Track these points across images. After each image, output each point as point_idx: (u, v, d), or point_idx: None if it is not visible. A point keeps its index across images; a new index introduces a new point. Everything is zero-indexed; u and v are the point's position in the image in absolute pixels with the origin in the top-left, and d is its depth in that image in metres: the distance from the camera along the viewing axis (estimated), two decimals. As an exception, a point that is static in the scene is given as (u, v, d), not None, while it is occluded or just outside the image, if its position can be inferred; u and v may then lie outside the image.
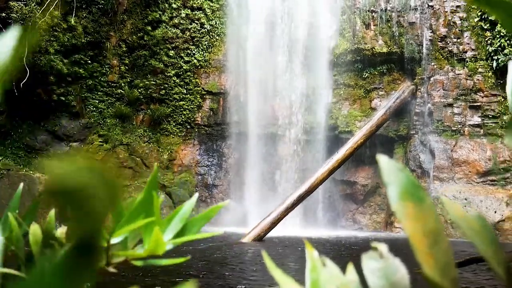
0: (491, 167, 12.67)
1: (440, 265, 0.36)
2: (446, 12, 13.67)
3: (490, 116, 13.13)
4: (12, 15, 11.51)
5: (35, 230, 0.73)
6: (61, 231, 0.70)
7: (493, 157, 12.74)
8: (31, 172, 11.54)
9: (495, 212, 11.80)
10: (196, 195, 0.80)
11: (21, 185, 0.90)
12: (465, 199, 12.20)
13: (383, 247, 0.41)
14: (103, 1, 14.15)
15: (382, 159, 0.45)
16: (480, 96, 13.27)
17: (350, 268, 0.46)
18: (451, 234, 11.74)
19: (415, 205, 0.40)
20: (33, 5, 11.69)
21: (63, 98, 13.80)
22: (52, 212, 0.77)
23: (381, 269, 0.40)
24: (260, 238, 10.27)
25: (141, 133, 15.07)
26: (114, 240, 0.61)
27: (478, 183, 12.69)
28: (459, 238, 11.62)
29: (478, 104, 13.25)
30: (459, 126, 13.29)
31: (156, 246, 0.60)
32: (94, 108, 14.63)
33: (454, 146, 13.11)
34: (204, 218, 0.72)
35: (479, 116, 13.22)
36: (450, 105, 13.41)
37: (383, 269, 0.40)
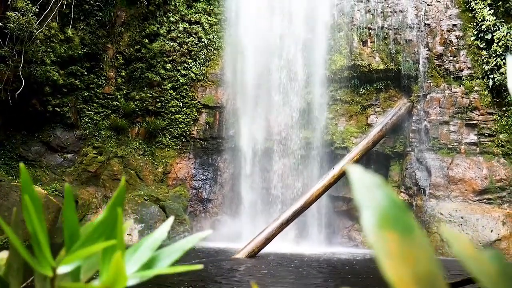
0: (488, 186, 12.59)
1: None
2: (443, 30, 13.74)
3: (486, 135, 13.10)
4: (9, 25, 11.46)
5: None
6: (0, 257, 0.59)
7: (489, 175, 12.67)
8: (23, 183, 11.36)
9: (491, 231, 11.68)
10: (172, 218, 0.68)
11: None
12: (461, 217, 12.08)
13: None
14: (101, 13, 14.16)
15: (354, 172, 0.33)
16: (476, 114, 13.26)
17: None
18: (447, 253, 11.60)
19: (401, 237, 0.28)
20: (30, 15, 11.65)
21: (58, 109, 13.70)
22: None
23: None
24: (254, 254, 10.11)
25: (136, 146, 14.94)
26: (63, 269, 0.49)
27: (474, 201, 12.59)
28: (455, 258, 11.48)
29: (474, 122, 13.22)
30: (455, 144, 13.24)
31: (115, 278, 0.47)
32: (89, 120, 14.52)
33: (450, 163, 13.04)
34: (179, 248, 0.58)
35: (475, 134, 13.19)
36: (446, 122, 13.39)
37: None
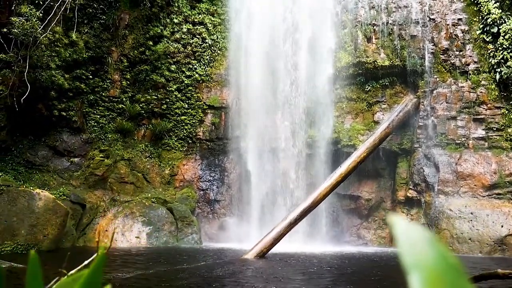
0: (497, 181, 12.47)
1: None
2: (448, 25, 13.62)
3: (494, 129, 12.97)
4: (13, 30, 11.48)
5: None
6: None
7: (499, 170, 12.55)
8: (31, 188, 11.38)
9: (502, 226, 11.57)
10: None
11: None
12: (471, 213, 11.97)
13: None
14: (104, 16, 14.17)
15: (398, 225, 0.28)
16: (484, 108, 13.13)
17: None
18: (457, 250, 11.50)
19: None
20: (34, 20, 11.66)
21: (64, 113, 13.72)
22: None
23: None
24: (263, 255, 10.07)
25: (142, 148, 14.95)
26: None
27: (483, 196, 12.48)
28: (466, 254, 11.39)
29: (482, 117, 13.10)
30: (463, 139, 13.13)
31: None
32: (95, 123, 14.54)
33: (458, 159, 12.93)
34: None
35: (483, 129, 13.07)
36: (454, 118, 13.28)
37: None
